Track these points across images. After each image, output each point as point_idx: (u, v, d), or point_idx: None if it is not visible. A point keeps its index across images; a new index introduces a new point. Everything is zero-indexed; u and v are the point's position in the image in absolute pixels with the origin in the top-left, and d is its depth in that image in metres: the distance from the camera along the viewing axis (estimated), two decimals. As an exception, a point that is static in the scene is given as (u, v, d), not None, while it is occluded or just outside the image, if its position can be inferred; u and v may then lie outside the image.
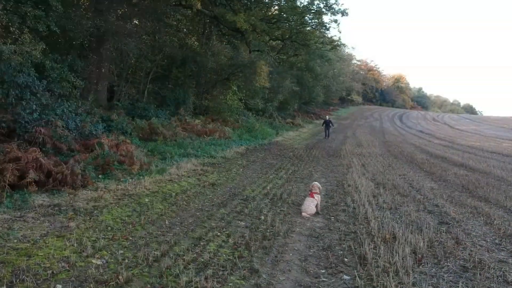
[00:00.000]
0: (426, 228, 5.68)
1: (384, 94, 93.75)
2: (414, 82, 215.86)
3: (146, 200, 7.06)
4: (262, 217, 6.28)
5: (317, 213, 6.67)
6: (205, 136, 17.14)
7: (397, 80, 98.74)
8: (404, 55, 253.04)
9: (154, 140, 13.79)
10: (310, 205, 6.60)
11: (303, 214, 6.53)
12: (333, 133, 28.82)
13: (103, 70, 16.37)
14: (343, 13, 19.58)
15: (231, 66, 24.32)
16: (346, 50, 71.72)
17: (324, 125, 27.04)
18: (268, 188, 8.79)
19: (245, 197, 7.76)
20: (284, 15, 20.80)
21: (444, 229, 5.83)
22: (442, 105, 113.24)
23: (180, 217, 6.15)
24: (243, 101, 28.77)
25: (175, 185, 8.51)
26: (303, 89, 43.82)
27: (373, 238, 5.28)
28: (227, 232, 5.51)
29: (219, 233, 5.44)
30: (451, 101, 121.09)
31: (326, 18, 79.21)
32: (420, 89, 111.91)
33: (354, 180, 9.76)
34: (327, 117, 29.53)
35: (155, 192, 7.68)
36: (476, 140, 27.38)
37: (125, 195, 7.24)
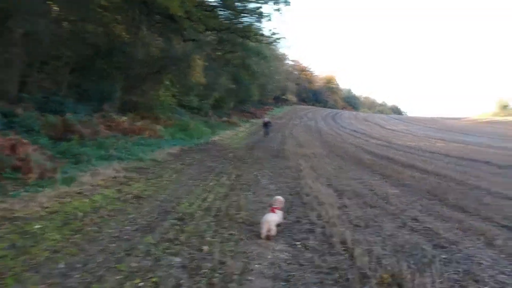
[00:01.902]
0: (426, 258, 4.36)
1: (317, 94, 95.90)
2: (344, 83, 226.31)
3: (36, 226, 4.93)
4: (205, 248, 4.55)
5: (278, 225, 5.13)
6: (133, 135, 14.88)
7: (328, 81, 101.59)
8: (334, 57, 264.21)
9: (69, 140, 11.31)
10: (272, 225, 4.99)
11: (263, 235, 4.92)
12: (271, 132, 27.77)
13: (11, 56, 13.36)
14: (286, 1, 18.38)
15: (163, 58, 21.97)
16: (280, 49, 72.04)
17: (264, 125, 26.91)
18: (210, 200, 7.04)
19: (180, 214, 5.93)
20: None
21: (445, 257, 4.53)
22: (371, 106, 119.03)
23: (85, 254, 4.20)
24: (177, 97, 26.48)
25: (85, 200, 6.39)
26: (239, 87, 42.40)
27: (367, 281, 3.81)
28: (155, 279, 3.70)
29: (141, 283, 3.60)
30: (379, 102, 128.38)
31: (267, 8, 78.68)
32: (349, 90, 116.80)
33: (310, 186, 8.42)
34: (266, 118, 28.63)
35: (54, 213, 5.55)
36: (410, 140, 27.94)
37: (6, 219, 5.07)
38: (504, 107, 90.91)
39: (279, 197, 5.69)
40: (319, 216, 6.08)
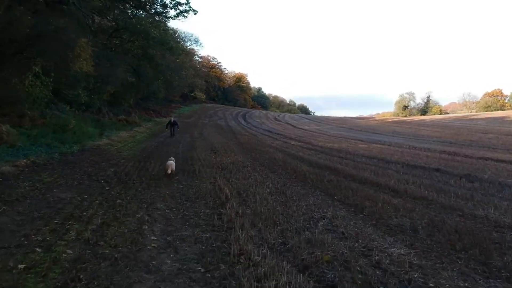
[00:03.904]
0: None
1: (227, 93, 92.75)
2: (254, 81, 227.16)
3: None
4: None
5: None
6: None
7: (239, 79, 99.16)
8: (244, 54, 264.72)
9: None
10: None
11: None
12: (178, 133, 23.49)
13: None
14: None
15: (30, 36, 15.94)
16: (189, 44, 67.21)
17: (169, 125, 23.49)
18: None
19: None
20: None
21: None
22: (280, 105, 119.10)
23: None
24: (51, 88, 20.26)
25: None
26: (140, 81, 36.73)
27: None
28: None
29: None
30: (288, 101, 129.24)
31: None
32: (260, 89, 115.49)
33: (252, 258, 4.42)
34: (172, 118, 24.21)
35: None
36: (329, 141, 25.83)
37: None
38: (405, 107, 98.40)
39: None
40: None
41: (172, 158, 10.35)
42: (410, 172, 11.76)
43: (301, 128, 42.72)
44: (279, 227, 5.50)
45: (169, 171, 9.30)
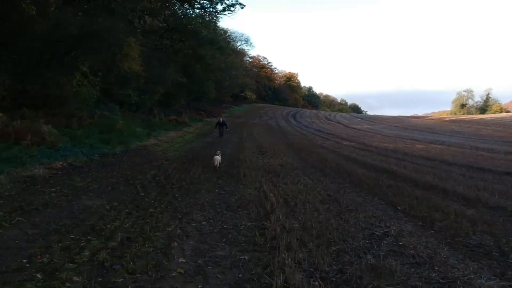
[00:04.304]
0: None
1: (277, 92, 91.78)
2: (304, 81, 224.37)
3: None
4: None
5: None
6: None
7: (289, 79, 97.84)
8: (295, 53, 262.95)
9: None
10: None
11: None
12: (227, 133, 22.94)
13: None
14: None
15: (78, 36, 16.02)
16: (239, 44, 67.22)
17: (218, 126, 22.90)
18: None
19: None
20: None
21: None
22: (331, 104, 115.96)
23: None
24: (98, 88, 20.20)
25: None
26: (191, 82, 36.80)
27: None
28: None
29: None
30: (339, 100, 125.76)
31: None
32: (310, 88, 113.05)
33: None
34: (221, 119, 23.79)
35: None
36: (383, 141, 24.12)
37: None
38: (463, 105, 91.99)
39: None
40: None
41: (218, 152, 11.14)
42: (477, 176, 10.18)
43: (353, 128, 40.78)
44: (333, 248, 4.46)
45: (216, 164, 10.07)
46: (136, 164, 10.17)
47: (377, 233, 5.18)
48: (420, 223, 5.78)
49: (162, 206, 5.95)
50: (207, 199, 6.62)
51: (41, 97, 15.23)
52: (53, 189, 6.45)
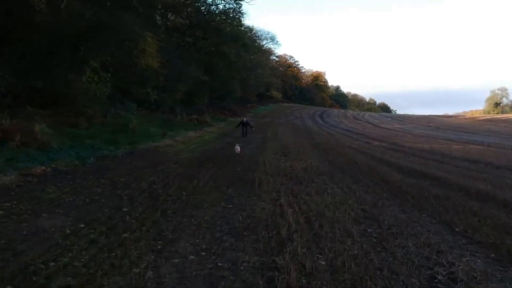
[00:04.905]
0: None
1: (304, 92, 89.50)
2: (332, 80, 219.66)
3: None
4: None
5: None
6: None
7: (316, 78, 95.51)
8: (322, 52, 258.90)
9: None
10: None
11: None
12: (250, 133, 21.55)
13: None
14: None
15: (87, 29, 14.83)
16: (265, 43, 65.78)
17: (241, 125, 21.66)
18: None
19: None
20: None
21: None
22: (359, 103, 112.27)
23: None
24: (109, 84, 18.82)
25: None
26: (214, 80, 35.55)
27: None
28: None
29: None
30: (367, 99, 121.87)
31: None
32: (338, 87, 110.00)
33: None
34: (244, 119, 22.48)
35: None
36: (415, 141, 22.10)
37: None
38: (497, 104, 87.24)
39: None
40: None
41: (239, 144, 12.78)
42: None
43: (383, 127, 38.65)
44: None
45: (237, 152, 11.77)
46: (137, 168, 8.85)
47: (439, 276, 3.56)
48: (492, 255, 4.15)
49: (144, 228, 4.51)
50: (206, 217, 5.13)
51: (48, 94, 14.28)
52: (7, 204, 5.13)
